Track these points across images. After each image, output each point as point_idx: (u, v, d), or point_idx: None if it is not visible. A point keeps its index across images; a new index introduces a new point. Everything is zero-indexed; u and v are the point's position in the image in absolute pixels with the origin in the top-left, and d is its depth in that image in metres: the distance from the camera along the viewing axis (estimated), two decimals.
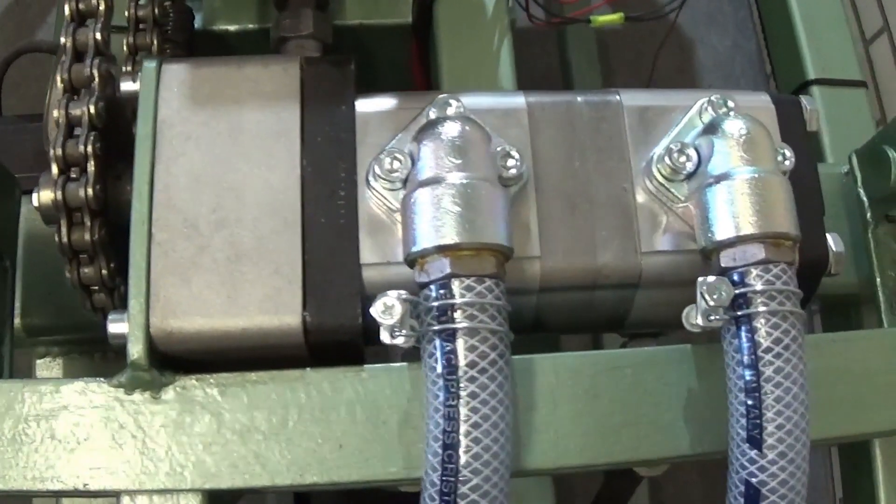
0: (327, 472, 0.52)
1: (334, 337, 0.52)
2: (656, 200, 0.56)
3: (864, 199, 0.69)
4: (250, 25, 0.81)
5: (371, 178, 0.53)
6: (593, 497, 0.81)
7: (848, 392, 0.58)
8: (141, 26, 0.68)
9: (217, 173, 0.54)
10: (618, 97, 0.58)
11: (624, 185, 0.56)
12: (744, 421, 0.51)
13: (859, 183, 0.69)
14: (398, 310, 0.47)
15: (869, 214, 0.69)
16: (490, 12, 0.79)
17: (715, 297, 0.50)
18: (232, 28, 0.81)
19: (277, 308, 0.52)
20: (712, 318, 0.51)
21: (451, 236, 0.48)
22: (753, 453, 0.50)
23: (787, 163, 0.56)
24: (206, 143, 0.54)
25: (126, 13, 0.67)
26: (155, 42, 0.66)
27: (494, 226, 0.49)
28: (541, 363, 0.54)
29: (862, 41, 1.15)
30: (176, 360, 0.54)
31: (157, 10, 0.67)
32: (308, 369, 0.53)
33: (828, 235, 0.59)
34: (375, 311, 0.47)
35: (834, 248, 0.59)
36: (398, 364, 0.53)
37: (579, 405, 0.54)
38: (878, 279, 0.68)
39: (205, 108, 0.55)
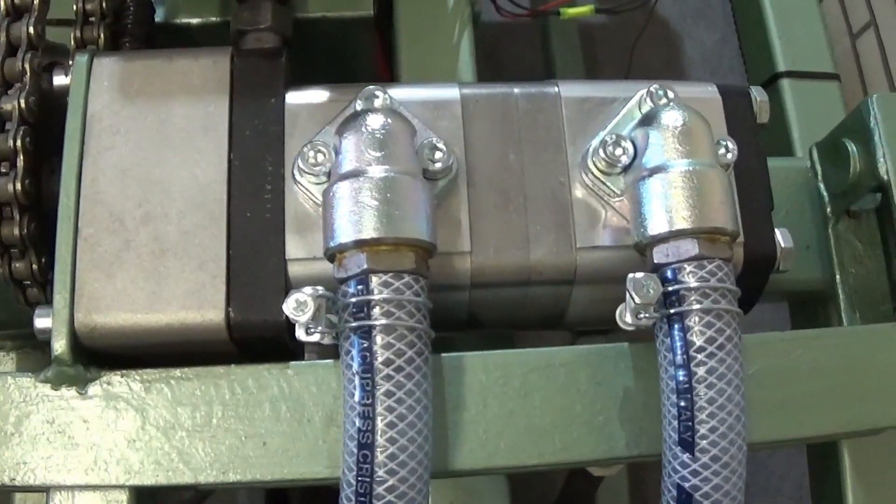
0: (250, 470, 0.51)
1: (258, 333, 0.52)
2: (593, 194, 0.55)
3: (825, 193, 0.67)
4: (213, 18, 0.81)
5: (296, 172, 0.52)
6: (554, 498, 0.80)
7: (793, 393, 0.56)
8: (91, 20, 0.67)
9: (144, 168, 0.53)
10: (556, 88, 0.57)
11: (560, 178, 0.55)
12: (675, 423, 0.49)
13: (819, 177, 0.67)
14: (310, 306, 0.46)
15: (829, 210, 0.66)
16: (451, 4, 0.77)
17: (642, 294, 0.48)
18: (195, 21, 0.80)
19: (201, 303, 0.51)
20: (642, 316, 0.50)
21: (368, 231, 0.47)
22: (685, 457, 0.49)
23: (729, 155, 0.55)
24: (135, 138, 0.54)
25: (74, 7, 0.66)
26: (102, 36, 0.66)
27: (414, 220, 0.48)
28: (470, 361, 0.53)
29: (849, 35, 1.12)
30: (104, 355, 0.53)
31: (104, 4, 0.66)
32: (233, 366, 0.52)
33: (777, 231, 0.57)
34: (287, 307, 0.47)
35: (782, 244, 0.57)
36: (323, 361, 0.53)
37: (510, 404, 0.53)
38: (838, 276, 0.66)
39: (134, 102, 0.54)
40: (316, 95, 0.55)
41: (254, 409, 0.52)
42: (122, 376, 0.52)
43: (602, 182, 0.54)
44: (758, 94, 0.59)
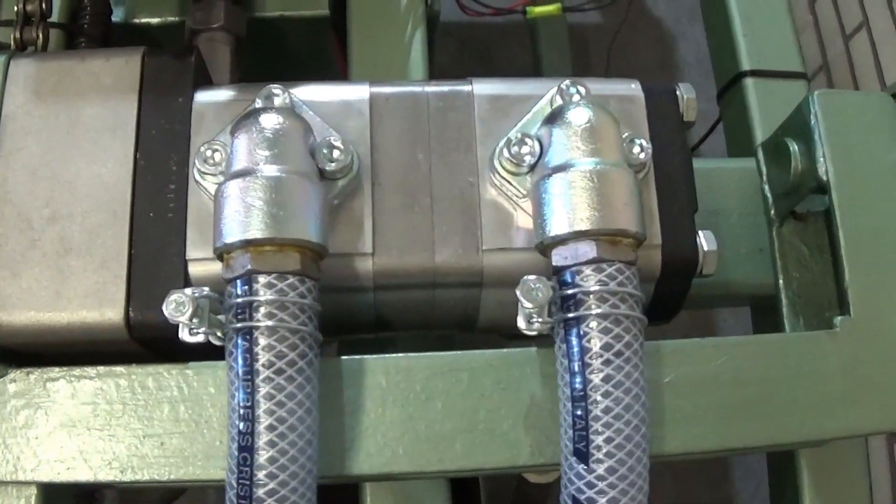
0: (147, 470, 0.51)
1: (157, 333, 0.51)
2: (503, 195, 0.53)
3: (769, 195, 0.64)
4: (171, 18, 0.81)
5: (196, 172, 0.52)
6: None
7: (713, 403, 0.54)
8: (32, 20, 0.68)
9: (53, 168, 0.54)
10: (469, 87, 0.55)
11: (470, 178, 0.54)
12: (571, 432, 0.48)
13: (764, 178, 0.64)
14: (188, 307, 0.46)
15: (773, 212, 0.64)
16: (403, 3, 0.77)
17: (531, 297, 0.47)
18: (154, 21, 0.81)
19: (101, 303, 0.52)
20: (535, 320, 0.48)
21: (252, 231, 0.46)
22: (581, 468, 0.47)
23: (642, 155, 0.53)
24: (45, 138, 0.54)
25: (15, 7, 0.67)
26: (40, 36, 0.66)
27: (301, 221, 0.47)
28: (371, 364, 0.52)
29: (841, 36, 1.08)
30: (15, 352, 0.54)
31: (44, 5, 0.67)
32: (134, 365, 0.52)
33: (700, 233, 0.55)
34: (166, 308, 0.46)
35: (705, 247, 0.55)
36: (223, 362, 0.52)
37: (410, 409, 0.52)
38: (781, 281, 0.63)
39: (46, 103, 0.55)
40: (223, 94, 0.55)
41: (153, 408, 0.52)
42: (27, 374, 0.53)
43: (509, 182, 0.53)
44: (685, 92, 0.57)
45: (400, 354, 0.52)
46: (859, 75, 1.08)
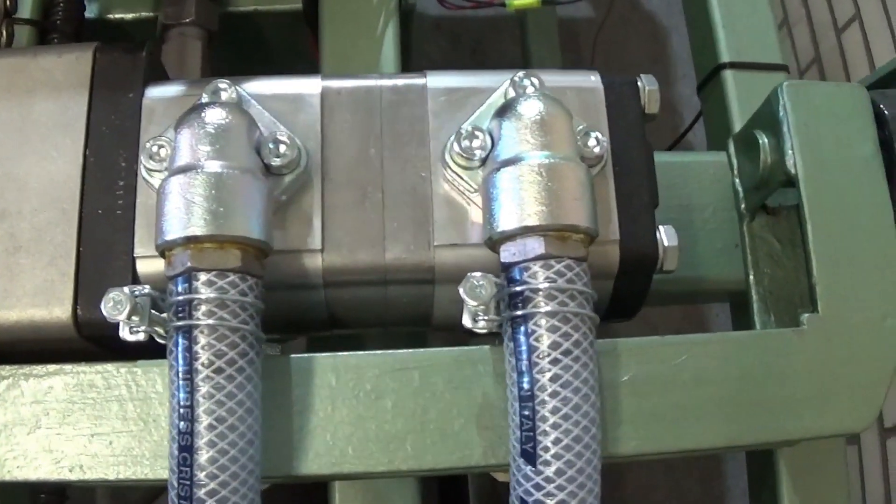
0: (96, 469, 0.50)
1: (106, 331, 0.51)
2: (456, 190, 0.52)
3: (739, 188, 0.62)
4: (145, 14, 0.81)
5: (143, 168, 0.52)
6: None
7: (673, 403, 0.52)
8: None
9: (3, 165, 0.53)
10: (423, 80, 0.54)
11: (422, 173, 0.53)
12: (519, 433, 0.47)
13: (735, 171, 0.63)
14: (126, 305, 0.45)
15: (743, 206, 0.62)
16: None
17: (474, 295, 0.46)
18: (128, 17, 0.81)
19: (49, 301, 0.51)
20: (481, 319, 0.47)
21: (192, 228, 0.46)
22: (528, 469, 0.46)
23: (597, 149, 0.51)
24: None
25: None
26: (4, 33, 0.66)
27: (242, 218, 0.46)
28: (320, 362, 0.51)
29: (834, 30, 1.06)
30: None
31: (8, 2, 0.67)
32: (83, 364, 0.52)
33: (661, 228, 0.54)
34: (104, 306, 0.46)
35: (666, 243, 0.53)
36: None
37: (360, 409, 0.51)
38: (752, 276, 0.62)
39: None
40: (173, 90, 0.54)
41: (102, 407, 0.51)
42: None
43: (460, 177, 0.51)
44: (647, 84, 0.55)
45: (350, 353, 0.51)
46: (851, 68, 1.05)
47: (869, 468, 1.10)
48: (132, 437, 0.51)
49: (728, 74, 0.75)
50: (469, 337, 0.61)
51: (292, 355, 0.51)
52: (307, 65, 0.86)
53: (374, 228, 0.52)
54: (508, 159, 0.48)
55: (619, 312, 0.56)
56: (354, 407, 0.51)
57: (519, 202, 0.47)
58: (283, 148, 0.50)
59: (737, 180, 0.63)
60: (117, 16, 0.81)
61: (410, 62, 0.91)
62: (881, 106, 0.61)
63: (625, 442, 0.52)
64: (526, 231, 0.47)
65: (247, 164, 0.48)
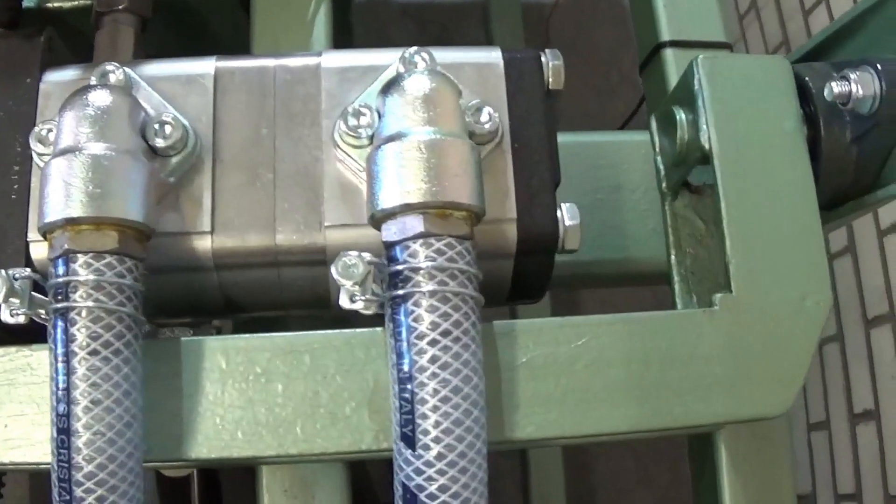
0: None
1: None
2: (348, 169, 0.51)
3: (661, 167, 0.61)
4: (83, 1, 0.81)
5: (34, 152, 0.51)
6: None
7: (574, 386, 0.51)
8: None
9: None
10: (318, 59, 0.53)
11: (315, 153, 0.52)
12: (399, 416, 0.46)
13: (657, 149, 0.61)
14: (2, 288, 0.45)
15: (664, 185, 0.60)
16: None
17: (347, 274, 0.45)
18: (66, 5, 0.81)
19: None
20: (357, 298, 0.46)
21: (69, 210, 0.45)
22: (409, 453, 0.45)
23: (488, 125, 0.50)
24: None
25: None
26: None
27: (121, 200, 0.46)
28: (211, 344, 0.50)
29: (801, 12, 1.03)
30: None
31: None
32: None
33: (563, 206, 0.52)
34: None
35: (566, 222, 0.52)
36: None
37: (250, 392, 0.50)
38: (674, 257, 0.60)
39: None
40: (70, 74, 0.54)
41: (2, 391, 0.51)
42: None
43: (349, 156, 0.50)
44: (551, 59, 0.54)
45: (241, 335, 0.51)
46: None
47: (839, 456, 1.08)
48: (29, 421, 0.51)
49: (668, 53, 0.73)
50: None
51: (183, 338, 0.51)
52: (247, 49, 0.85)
53: (265, 210, 0.51)
54: (391, 136, 0.47)
55: (524, 293, 0.55)
56: (244, 390, 0.50)
57: (399, 179, 0.46)
58: (168, 129, 0.50)
59: (658, 158, 0.61)
60: (56, 4, 0.81)
61: (352, 46, 0.90)
62: (806, 79, 0.59)
63: (522, 427, 0.50)
64: (406, 209, 0.46)
65: (127, 146, 0.48)
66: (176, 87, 0.52)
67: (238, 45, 0.85)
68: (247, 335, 0.51)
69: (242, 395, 0.50)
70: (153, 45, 0.86)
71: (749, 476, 0.66)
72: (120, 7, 0.76)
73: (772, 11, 1.21)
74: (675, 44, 0.73)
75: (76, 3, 0.81)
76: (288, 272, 0.52)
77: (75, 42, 0.78)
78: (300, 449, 0.50)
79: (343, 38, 0.82)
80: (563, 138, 0.70)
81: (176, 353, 0.51)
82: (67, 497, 0.45)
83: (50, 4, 0.81)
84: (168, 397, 0.50)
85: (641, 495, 1.19)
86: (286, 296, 0.54)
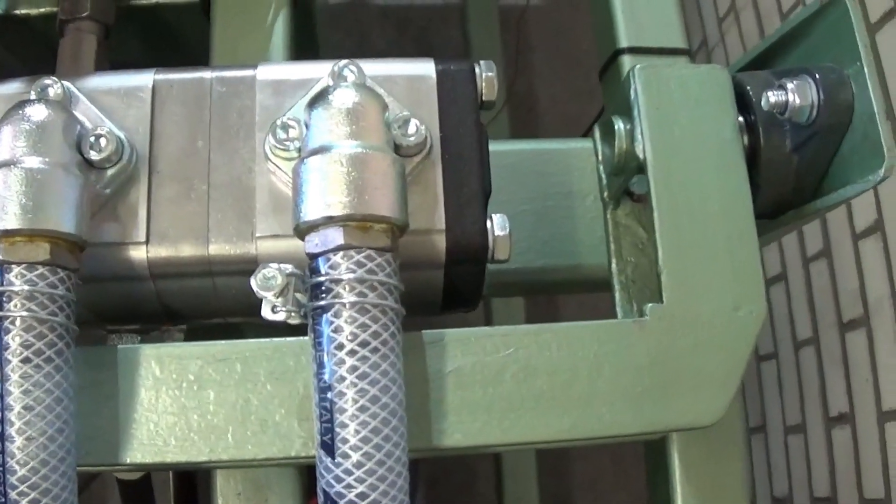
0: None
1: None
2: (280, 181, 0.52)
3: (602, 175, 0.61)
4: (52, 9, 0.82)
5: None
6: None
7: (501, 395, 0.52)
8: None
9: None
10: (253, 71, 0.54)
11: (249, 165, 0.53)
12: (319, 425, 0.47)
13: (599, 158, 0.62)
14: None
15: (606, 193, 0.61)
16: None
17: (266, 286, 0.46)
18: (33, 12, 0.82)
19: None
20: (278, 310, 0.47)
21: (4, 223, 0.46)
22: (328, 461, 0.46)
23: (412, 138, 0.51)
24: None
25: None
26: None
27: (53, 212, 0.47)
28: (146, 352, 0.52)
29: (779, 14, 1.02)
30: None
31: None
32: None
33: (494, 217, 0.53)
34: None
35: (496, 232, 0.52)
36: None
37: (183, 399, 0.51)
38: (614, 265, 0.60)
39: None
40: (11, 88, 0.55)
41: None
42: None
43: (280, 168, 0.51)
44: (484, 70, 0.54)
45: (175, 343, 0.52)
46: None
47: (815, 459, 1.08)
48: None
49: (626, 60, 0.73)
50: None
51: (119, 346, 0.52)
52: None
53: (199, 221, 0.52)
54: (315, 149, 0.48)
55: (458, 302, 0.56)
56: (177, 397, 0.51)
57: (321, 192, 0.47)
58: (102, 142, 0.51)
59: (600, 167, 0.61)
60: (23, 11, 0.82)
61: (316, 53, 0.91)
62: (748, 87, 0.59)
63: (449, 434, 0.51)
64: (327, 221, 0.47)
65: (61, 160, 0.49)
66: (115, 99, 0.54)
67: (206, 51, 0.86)
68: (181, 343, 0.52)
69: (175, 402, 0.51)
70: (122, 53, 0.88)
71: (702, 482, 0.66)
72: (83, 15, 0.78)
73: (750, 14, 1.21)
74: (633, 50, 0.73)
75: (42, 10, 0.82)
76: (222, 281, 0.53)
77: (42, 49, 0.80)
78: (231, 455, 0.51)
79: (307, 46, 0.82)
80: (513, 145, 0.71)
81: (112, 360, 0.52)
82: (3, 499, 0.46)
83: (17, 11, 0.82)
84: (104, 403, 0.51)
85: (619, 498, 1.20)
86: (222, 304, 0.55)
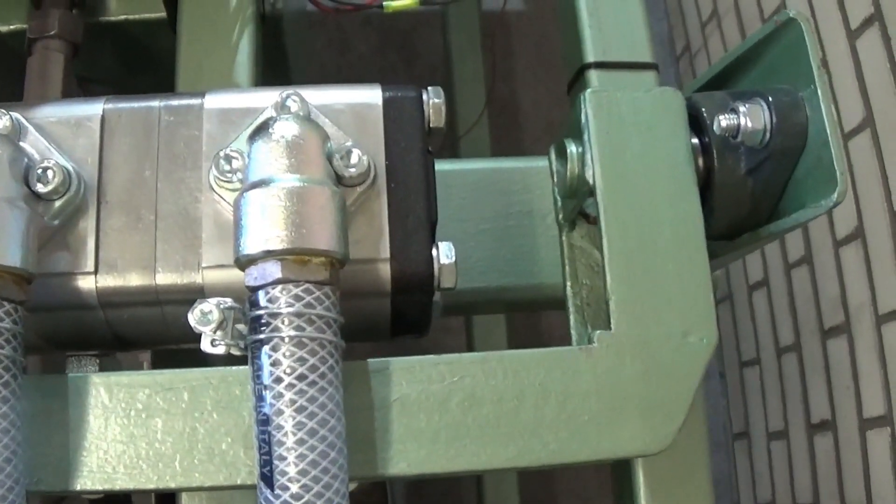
0: None
1: None
2: (226, 210, 0.52)
3: (557, 197, 0.61)
4: (21, 25, 0.82)
5: None
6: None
7: (446, 423, 0.52)
8: None
9: None
10: (201, 100, 0.54)
11: (196, 195, 0.53)
12: (258, 457, 0.47)
13: (554, 180, 0.61)
14: None
15: (560, 216, 0.61)
16: (233, 4, 0.76)
17: (202, 320, 0.46)
18: (4, 29, 0.83)
19: None
20: (217, 343, 0.47)
21: None
22: (268, 493, 0.46)
23: (353, 169, 0.51)
24: None
25: None
26: None
27: None
28: (95, 380, 0.52)
29: (760, 20, 1.01)
30: None
31: None
32: None
33: (440, 245, 0.53)
34: None
35: (441, 260, 0.52)
36: None
37: (131, 427, 0.52)
38: (569, 287, 0.60)
39: None
40: None
41: None
42: None
43: (224, 199, 0.52)
44: (432, 96, 0.54)
45: (123, 372, 0.52)
46: None
47: (797, 468, 1.07)
48: None
49: (593, 75, 0.73)
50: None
51: (70, 374, 0.53)
52: None
53: (146, 250, 0.52)
54: (255, 182, 0.48)
55: (408, 329, 0.56)
56: (126, 426, 0.52)
57: (259, 226, 0.47)
58: (49, 174, 0.51)
59: (555, 189, 0.61)
60: None
61: (288, 70, 0.91)
62: (703, 109, 0.59)
63: (394, 463, 0.52)
64: (266, 255, 0.47)
65: (7, 193, 0.49)
66: (65, 129, 0.54)
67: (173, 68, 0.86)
68: (130, 372, 0.52)
69: (124, 431, 0.52)
70: (94, 69, 0.88)
71: (667, 498, 0.66)
72: (50, 33, 0.78)
73: (732, 19, 1.20)
74: (599, 65, 0.73)
75: (13, 27, 0.83)
76: (171, 310, 0.53)
77: (14, 66, 0.80)
78: (178, 483, 0.51)
79: (276, 61, 0.82)
80: (473, 164, 0.71)
81: (63, 388, 0.52)
82: None
83: None
84: (56, 431, 0.52)
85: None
86: (172, 332, 0.55)
